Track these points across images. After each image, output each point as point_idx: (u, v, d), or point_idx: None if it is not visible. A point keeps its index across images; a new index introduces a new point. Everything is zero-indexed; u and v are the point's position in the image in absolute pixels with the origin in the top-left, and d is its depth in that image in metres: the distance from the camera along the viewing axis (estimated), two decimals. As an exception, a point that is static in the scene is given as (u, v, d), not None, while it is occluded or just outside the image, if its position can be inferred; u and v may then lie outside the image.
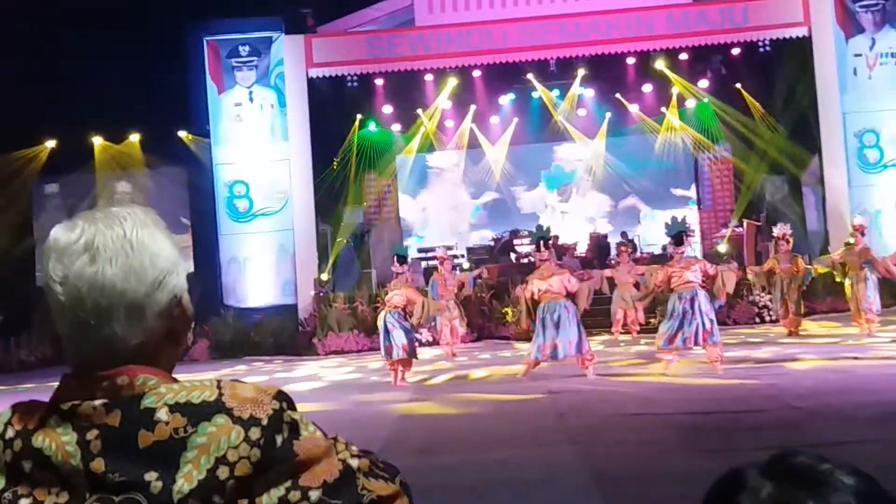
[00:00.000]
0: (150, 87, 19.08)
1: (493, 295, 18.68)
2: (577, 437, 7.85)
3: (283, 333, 18.69)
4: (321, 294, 19.08)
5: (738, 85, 22.14)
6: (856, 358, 11.43)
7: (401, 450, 7.63)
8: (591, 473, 6.57)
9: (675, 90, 22.53)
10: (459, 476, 6.69)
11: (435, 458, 7.37)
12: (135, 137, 20.85)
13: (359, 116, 22.49)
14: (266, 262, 20.36)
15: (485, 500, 6.03)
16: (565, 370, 12.78)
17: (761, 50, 20.53)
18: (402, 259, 13.33)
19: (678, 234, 11.55)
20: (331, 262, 20.24)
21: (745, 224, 20.75)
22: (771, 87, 21.87)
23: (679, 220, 13.20)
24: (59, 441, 1.19)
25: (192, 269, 20.26)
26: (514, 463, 7.02)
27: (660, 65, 21.61)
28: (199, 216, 20.79)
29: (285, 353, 17.91)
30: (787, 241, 14.75)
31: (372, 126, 22.95)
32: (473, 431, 8.47)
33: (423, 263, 20.97)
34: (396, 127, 23.55)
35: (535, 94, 23.02)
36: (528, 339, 16.82)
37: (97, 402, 1.21)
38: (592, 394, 10.23)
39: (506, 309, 17.56)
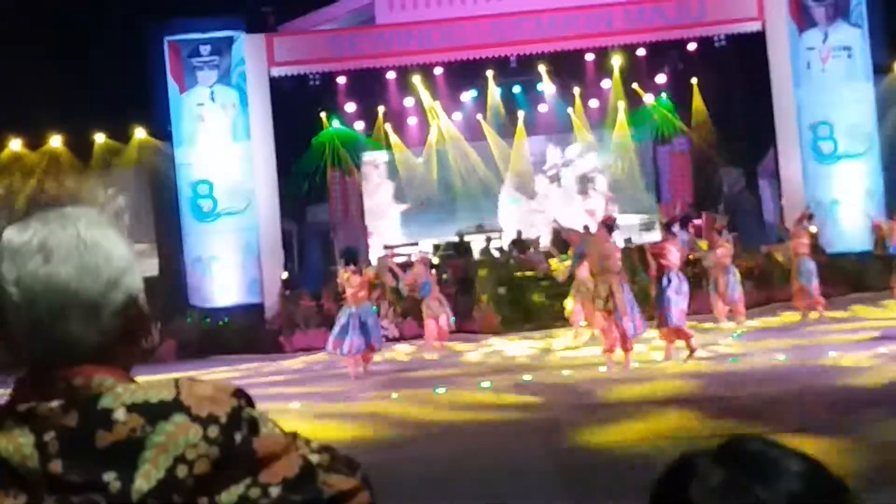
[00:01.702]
0: (111, 87, 18.94)
1: (458, 290, 18.84)
2: (546, 427, 8.02)
3: (250, 332, 18.67)
4: (287, 293, 19.12)
5: (695, 80, 22.55)
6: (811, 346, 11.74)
7: (370, 443, 7.72)
8: (559, 463, 6.72)
9: (632, 86, 22.90)
10: (429, 467, 6.78)
11: (403, 451, 7.45)
12: (96, 138, 20.70)
13: (322, 115, 22.54)
14: (231, 262, 20.33)
15: (454, 491, 6.12)
16: (534, 361, 12.99)
17: (717, 45, 20.89)
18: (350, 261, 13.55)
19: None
20: (296, 260, 20.30)
21: (703, 216, 21.10)
22: (726, 82, 22.28)
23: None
24: (16, 443, 1.18)
25: (156, 270, 20.24)
26: (484, 454, 7.15)
27: (617, 61, 21.93)
28: (162, 217, 20.71)
29: (253, 351, 17.92)
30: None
31: (335, 124, 22.99)
32: (443, 424, 8.59)
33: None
34: (360, 125, 23.62)
35: (496, 92, 23.24)
36: (495, 333, 17.16)
37: (54, 404, 1.19)
38: (560, 383, 10.42)
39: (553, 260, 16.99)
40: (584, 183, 25.14)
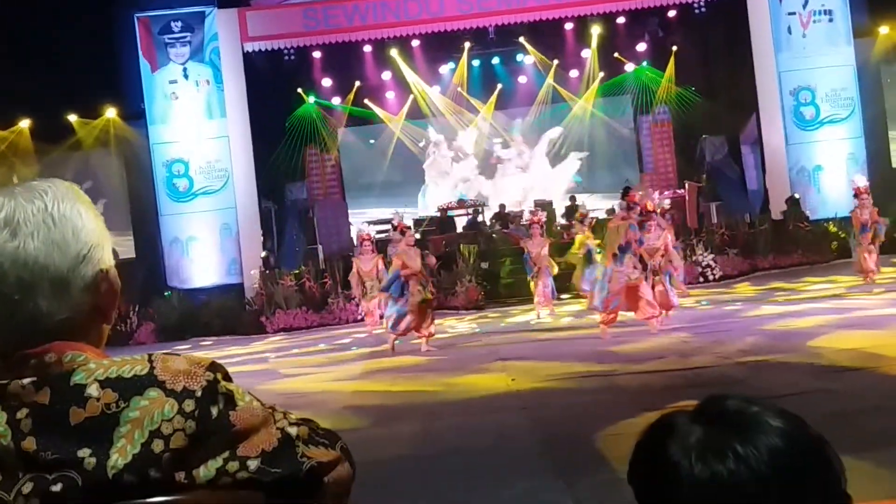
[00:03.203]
0: (81, 66, 18.59)
1: (441, 266, 18.65)
2: (528, 402, 7.89)
3: (230, 313, 18.46)
4: (266, 272, 18.90)
5: (675, 47, 22.36)
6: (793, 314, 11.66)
7: (354, 420, 7.62)
8: (541, 437, 6.60)
9: (613, 55, 22.70)
10: (412, 445, 6.69)
11: (387, 428, 7.36)
12: (67, 118, 20.33)
13: (298, 90, 22.24)
14: (210, 242, 20.09)
15: (437, 467, 6.02)
16: (511, 336, 12.87)
17: (697, 11, 20.69)
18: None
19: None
20: (275, 239, 20.08)
21: (686, 185, 20.98)
22: (707, 49, 22.11)
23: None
24: None
25: (132, 252, 19.98)
26: (467, 430, 7.03)
27: (596, 30, 21.71)
28: (137, 197, 20.43)
29: (233, 332, 17.72)
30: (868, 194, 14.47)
31: (311, 99, 22.68)
32: (425, 400, 8.47)
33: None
34: (337, 100, 23.33)
35: (475, 63, 22.98)
36: (478, 308, 17.00)
37: (25, 381, 1.18)
38: (540, 358, 10.29)
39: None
40: (562, 152, 24.91)
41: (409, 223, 22.21)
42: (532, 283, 15.02)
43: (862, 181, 14.65)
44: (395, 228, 13.44)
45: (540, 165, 25.01)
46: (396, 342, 12.19)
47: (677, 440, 0.98)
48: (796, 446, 0.96)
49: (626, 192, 12.17)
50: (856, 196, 14.41)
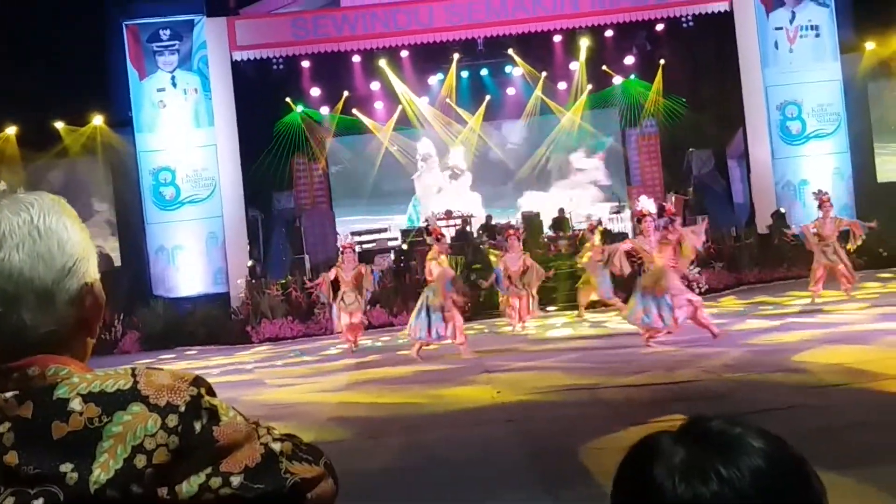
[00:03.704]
0: (69, 73, 18.52)
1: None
2: (514, 415, 7.88)
3: (216, 322, 18.37)
4: (252, 281, 18.83)
5: (662, 61, 22.47)
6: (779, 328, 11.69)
7: (340, 431, 7.58)
8: (528, 450, 6.59)
9: (602, 68, 22.80)
10: (398, 457, 6.67)
11: (373, 440, 7.33)
12: (54, 126, 20.23)
13: (287, 99, 22.22)
14: (196, 251, 20.01)
15: (423, 480, 6.00)
16: (497, 348, 12.85)
17: (684, 26, 20.79)
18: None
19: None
20: (261, 248, 20.01)
21: (673, 198, 21.03)
22: (695, 62, 22.22)
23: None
24: None
25: (118, 260, 19.88)
26: (453, 442, 7.01)
27: (585, 42, 21.79)
28: (123, 205, 20.33)
29: (218, 342, 17.64)
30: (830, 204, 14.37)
31: (299, 109, 22.67)
32: (411, 412, 8.44)
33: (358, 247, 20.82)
34: (325, 109, 23.32)
35: (463, 74, 23.04)
36: (465, 320, 16.94)
37: (8, 395, 1.17)
38: (526, 370, 10.28)
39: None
40: (561, 166, 24.96)
41: (397, 234, 22.29)
42: (504, 298, 14.73)
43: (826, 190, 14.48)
44: (429, 233, 13.16)
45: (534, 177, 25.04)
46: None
47: (661, 461, 0.98)
48: (778, 467, 0.97)
49: (662, 210, 11.97)
50: (821, 206, 14.18)
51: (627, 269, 11.95)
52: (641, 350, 10.84)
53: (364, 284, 14.06)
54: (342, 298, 13.93)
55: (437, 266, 12.10)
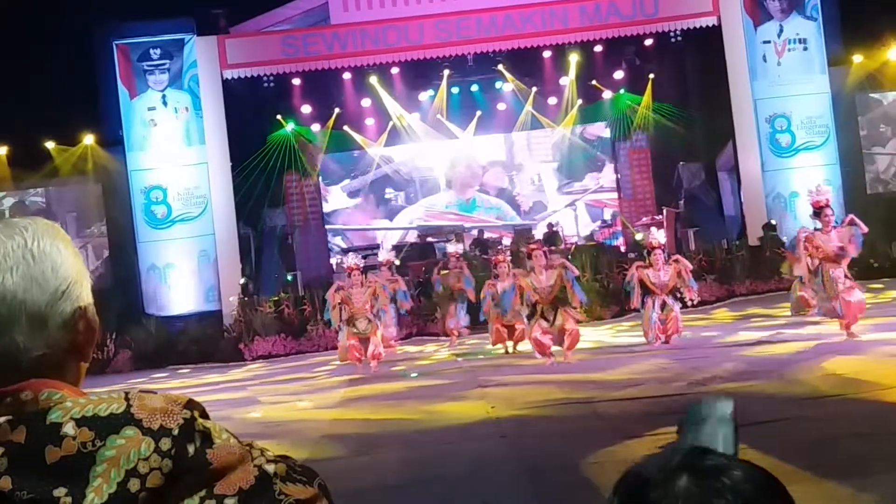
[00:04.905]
0: (59, 93, 18.53)
1: (420, 292, 18.62)
2: (507, 430, 7.86)
3: (208, 340, 18.32)
4: (245, 299, 18.79)
5: (652, 75, 22.58)
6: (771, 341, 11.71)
7: (334, 448, 7.55)
8: (522, 465, 6.57)
9: (591, 83, 22.91)
10: (393, 473, 6.64)
11: (368, 456, 7.30)
12: (44, 145, 20.20)
13: (277, 117, 22.24)
14: (188, 269, 19.96)
15: (418, 496, 5.98)
16: (491, 363, 12.84)
17: (673, 40, 20.93)
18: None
19: None
20: (253, 266, 19.97)
21: (664, 211, 21.11)
22: (684, 77, 22.34)
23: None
24: None
25: (110, 279, 19.81)
26: (447, 457, 6.99)
27: (574, 57, 21.90)
28: (114, 224, 20.29)
29: (211, 360, 17.58)
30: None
31: (290, 126, 22.69)
32: (406, 428, 8.42)
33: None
34: (316, 126, 23.35)
35: (454, 90, 23.11)
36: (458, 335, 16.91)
37: (1, 419, 1.17)
38: (520, 385, 10.27)
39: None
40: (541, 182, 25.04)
41: (389, 248, 22.27)
42: (497, 318, 13.61)
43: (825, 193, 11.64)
44: (524, 252, 12.78)
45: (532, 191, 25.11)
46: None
47: (650, 496, 0.98)
48: (766, 497, 0.98)
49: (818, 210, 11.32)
50: (816, 215, 11.37)
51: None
52: (635, 363, 10.84)
53: (379, 304, 13.37)
54: (354, 325, 13.14)
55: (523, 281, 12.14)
